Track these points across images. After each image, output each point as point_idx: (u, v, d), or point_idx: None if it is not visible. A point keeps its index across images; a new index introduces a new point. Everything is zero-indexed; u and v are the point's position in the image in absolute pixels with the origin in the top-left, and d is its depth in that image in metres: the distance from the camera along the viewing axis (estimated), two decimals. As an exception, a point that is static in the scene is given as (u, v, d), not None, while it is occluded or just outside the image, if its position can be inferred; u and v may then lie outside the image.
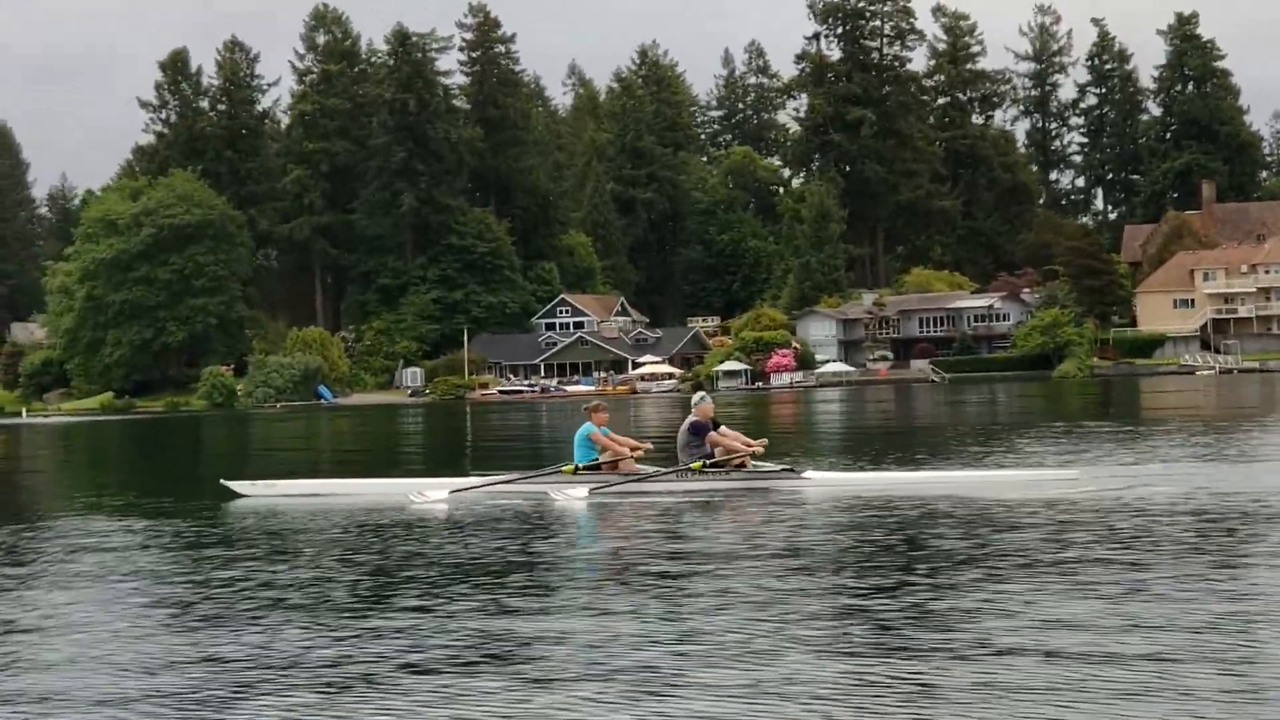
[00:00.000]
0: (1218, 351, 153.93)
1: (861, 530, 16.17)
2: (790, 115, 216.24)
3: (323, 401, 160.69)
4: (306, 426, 79.77)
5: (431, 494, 21.55)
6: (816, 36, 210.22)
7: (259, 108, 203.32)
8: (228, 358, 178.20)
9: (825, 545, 14.93)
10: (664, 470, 21.92)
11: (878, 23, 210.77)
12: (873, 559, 13.75)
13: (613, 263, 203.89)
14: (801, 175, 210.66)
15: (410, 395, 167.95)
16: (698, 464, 21.41)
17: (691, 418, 21.88)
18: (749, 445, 21.71)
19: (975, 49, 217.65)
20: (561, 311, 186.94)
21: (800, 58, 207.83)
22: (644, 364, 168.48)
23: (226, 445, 57.53)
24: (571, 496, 20.67)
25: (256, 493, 23.54)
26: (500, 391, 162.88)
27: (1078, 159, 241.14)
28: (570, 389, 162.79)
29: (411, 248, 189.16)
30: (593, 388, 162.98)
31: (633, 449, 22.06)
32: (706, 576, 12.90)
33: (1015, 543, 14.60)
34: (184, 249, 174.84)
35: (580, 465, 21.92)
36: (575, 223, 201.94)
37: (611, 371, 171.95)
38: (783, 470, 21.81)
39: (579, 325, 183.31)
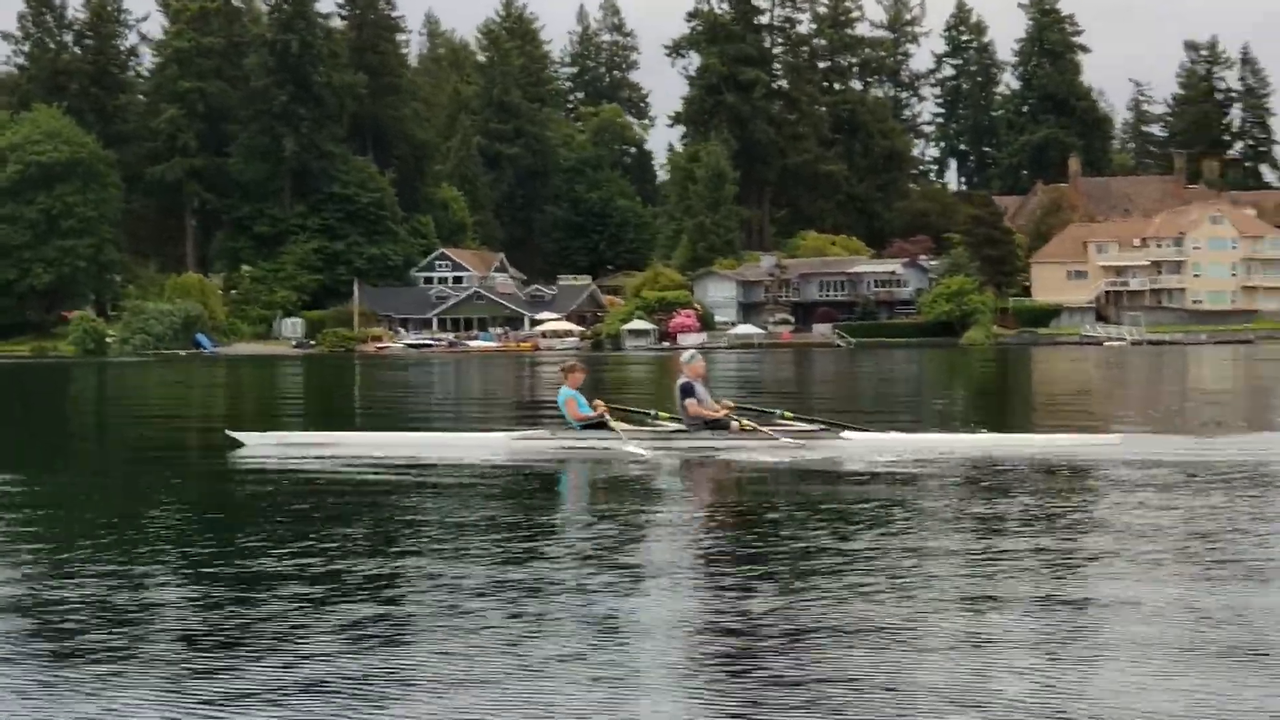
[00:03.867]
0: (1111, 322, 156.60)
1: (922, 493, 15.74)
2: (681, 74, 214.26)
3: (203, 351, 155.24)
4: (209, 376, 75.80)
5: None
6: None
7: (126, 44, 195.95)
8: (96, 302, 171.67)
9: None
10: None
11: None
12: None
13: (480, 218, 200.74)
14: (683, 136, 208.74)
15: (294, 347, 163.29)
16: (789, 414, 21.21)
17: (683, 378, 20.72)
18: (721, 410, 20.66)
19: (855, 14, 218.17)
20: (441, 266, 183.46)
21: (692, 15, 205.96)
22: (545, 321, 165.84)
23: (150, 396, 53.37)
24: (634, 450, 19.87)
25: (263, 443, 22.23)
26: (407, 345, 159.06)
27: (929, 129, 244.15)
28: (471, 344, 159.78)
29: (290, 195, 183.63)
30: (493, 343, 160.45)
31: (598, 409, 20.81)
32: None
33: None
34: (52, 188, 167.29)
35: (579, 425, 20.76)
36: (442, 176, 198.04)
37: (508, 328, 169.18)
38: (825, 429, 20.98)
39: (458, 280, 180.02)
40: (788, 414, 21.25)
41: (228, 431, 22.95)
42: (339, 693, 7.22)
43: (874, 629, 8.32)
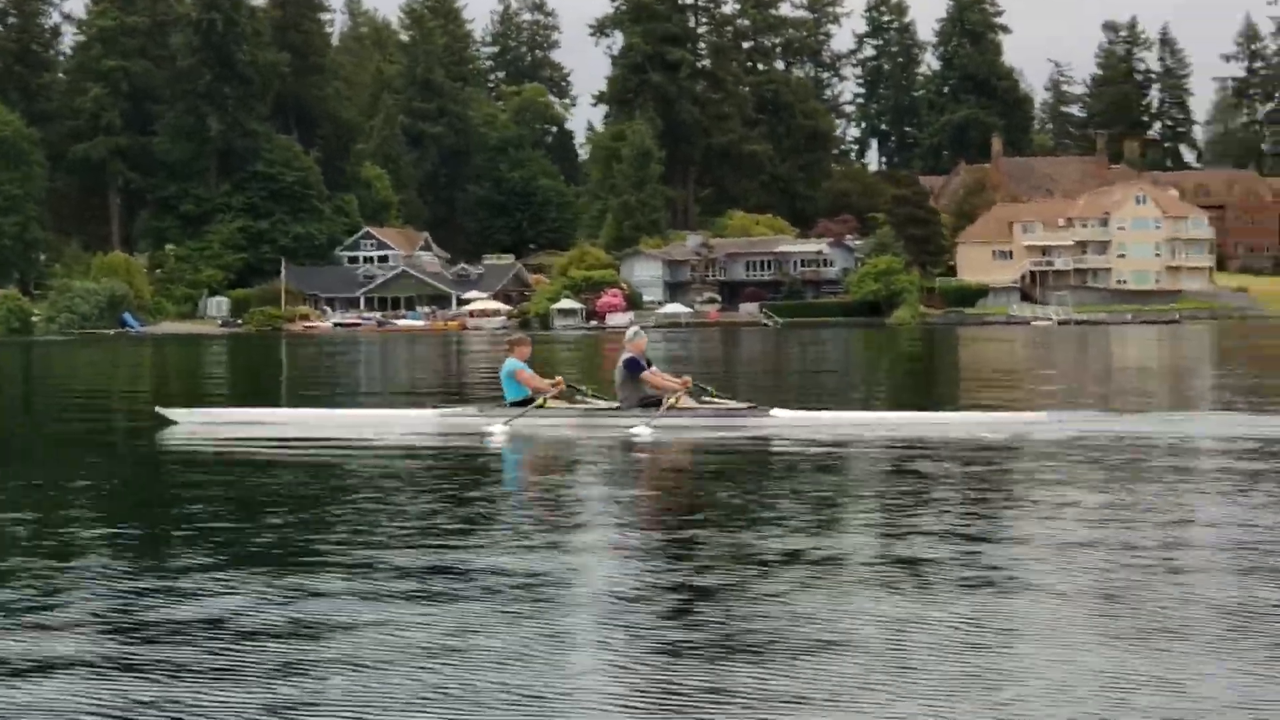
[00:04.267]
0: (1037, 302, 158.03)
1: (827, 471, 15.88)
2: (605, 53, 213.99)
3: (129, 330, 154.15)
4: (136, 355, 74.42)
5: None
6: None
7: (50, 21, 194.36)
8: (20, 281, 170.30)
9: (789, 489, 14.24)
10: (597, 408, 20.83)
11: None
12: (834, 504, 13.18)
13: (404, 197, 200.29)
14: (606, 116, 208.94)
15: (221, 326, 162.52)
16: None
17: (626, 354, 20.62)
18: (678, 384, 20.63)
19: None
20: (366, 245, 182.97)
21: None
22: (471, 300, 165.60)
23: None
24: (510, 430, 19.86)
25: (192, 420, 22.32)
26: (335, 324, 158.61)
27: (849, 109, 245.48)
28: (400, 323, 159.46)
29: (215, 174, 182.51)
30: (421, 322, 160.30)
31: (552, 384, 20.76)
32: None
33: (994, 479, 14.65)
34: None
35: (510, 402, 20.72)
36: (365, 155, 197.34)
37: (435, 307, 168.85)
38: (748, 408, 20.79)
39: (384, 260, 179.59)
40: (714, 391, 21.21)
41: (158, 409, 22.87)
42: (261, 672, 7.13)
43: (794, 606, 8.36)
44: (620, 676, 7.00)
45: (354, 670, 7.11)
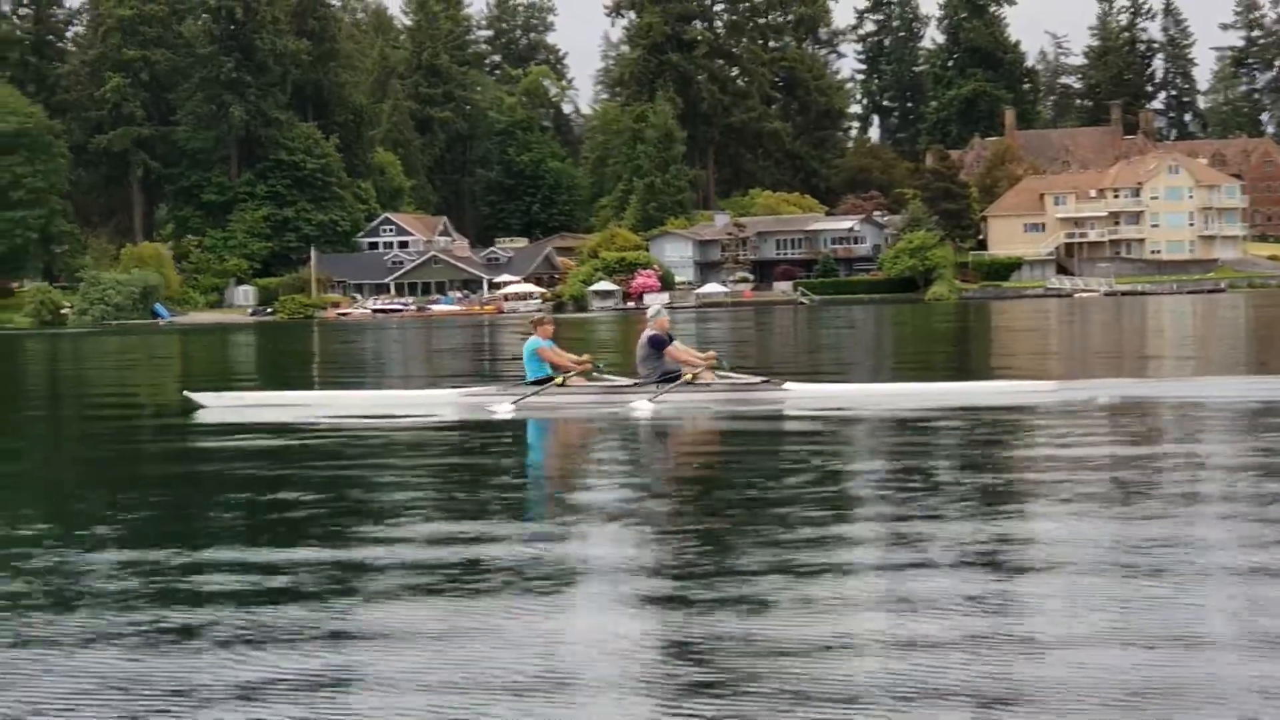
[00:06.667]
0: (1070, 274, 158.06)
1: (845, 443, 16.34)
2: (623, 33, 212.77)
3: (160, 321, 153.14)
4: (180, 345, 72.46)
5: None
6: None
7: (64, 12, 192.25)
8: (46, 274, 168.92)
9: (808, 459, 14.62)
10: (619, 385, 21.16)
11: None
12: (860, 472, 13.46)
13: (414, 183, 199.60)
14: (615, 96, 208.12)
15: (251, 315, 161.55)
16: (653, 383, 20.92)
17: (649, 331, 21.06)
18: (703, 359, 21.18)
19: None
20: (385, 230, 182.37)
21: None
22: (507, 284, 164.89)
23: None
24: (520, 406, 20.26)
25: (220, 404, 22.78)
26: (373, 310, 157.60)
27: (849, 85, 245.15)
28: (434, 308, 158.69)
29: (237, 162, 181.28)
30: (456, 307, 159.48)
31: (578, 363, 21.28)
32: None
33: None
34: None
35: (530, 380, 21.18)
36: (375, 142, 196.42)
37: (467, 291, 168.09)
38: (762, 382, 21.26)
39: (404, 245, 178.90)
40: (729, 366, 21.63)
41: (185, 393, 23.28)
42: (285, 645, 7.24)
43: (800, 574, 8.47)
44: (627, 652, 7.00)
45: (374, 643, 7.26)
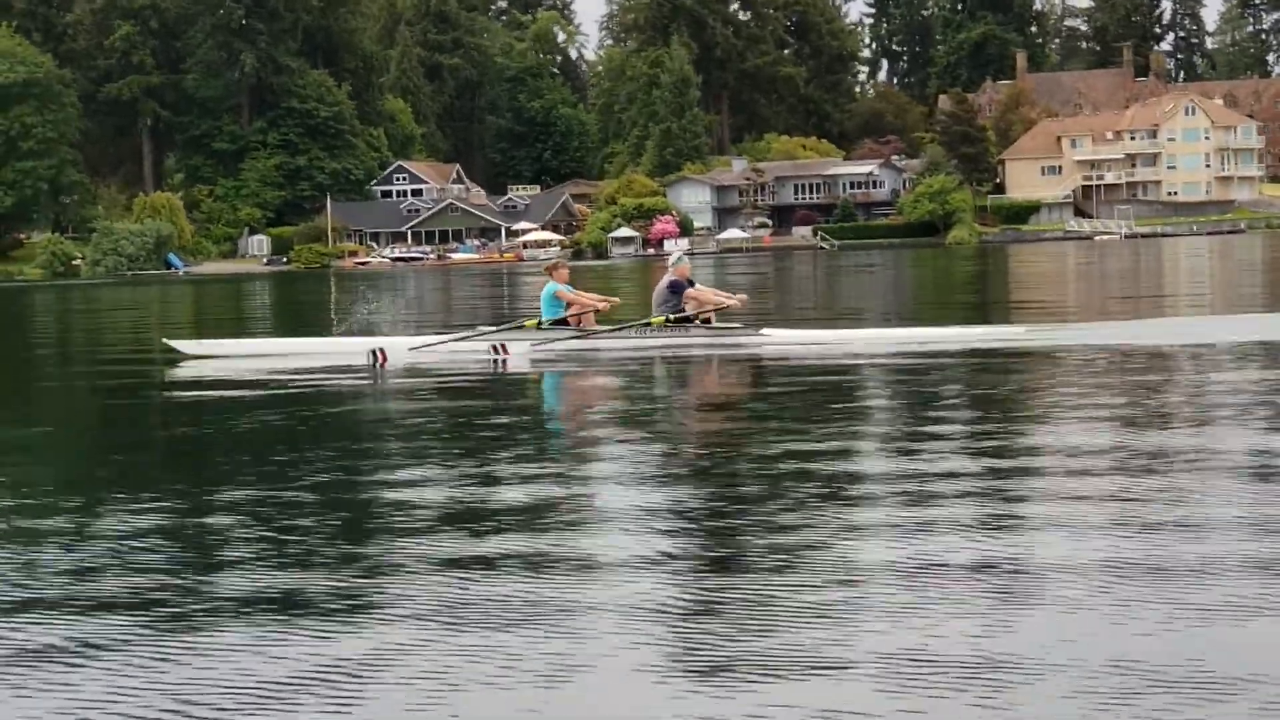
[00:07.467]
0: (1089, 217, 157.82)
1: (814, 388, 16.38)
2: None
3: (174, 271, 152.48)
4: (206, 294, 72.98)
5: (393, 354, 20.97)
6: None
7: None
8: (55, 225, 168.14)
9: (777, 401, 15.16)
10: (622, 325, 21.92)
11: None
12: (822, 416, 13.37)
13: (425, 130, 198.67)
14: (634, 41, 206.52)
15: (265, 264, 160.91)
16: (659, 319, 21.40)
17: (670, 276, 21.79)
18: (728, 299, 22.02)
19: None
20: (399, 179, 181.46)
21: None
22: (525, 231, 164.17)
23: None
24: (515, 352, 20.76)
25: (201, 352, 22.63)
26: (393, 259, 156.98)
27: (857, 29, 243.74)
28: (454, 256, 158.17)
29: (249, 110, 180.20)
30: (475, 255, 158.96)
31: (600, 301, 22.02)
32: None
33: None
34: (8, 109, 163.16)
35: (546, 321, 21.63)
36: (385, 89, 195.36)
37: (485, 239, 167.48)
38: (744, 327, 22.05)
39: (417, 194, 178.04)
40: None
41: (165, 340, 23.13)
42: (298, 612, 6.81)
43: (773, 528, 8.19)
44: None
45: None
